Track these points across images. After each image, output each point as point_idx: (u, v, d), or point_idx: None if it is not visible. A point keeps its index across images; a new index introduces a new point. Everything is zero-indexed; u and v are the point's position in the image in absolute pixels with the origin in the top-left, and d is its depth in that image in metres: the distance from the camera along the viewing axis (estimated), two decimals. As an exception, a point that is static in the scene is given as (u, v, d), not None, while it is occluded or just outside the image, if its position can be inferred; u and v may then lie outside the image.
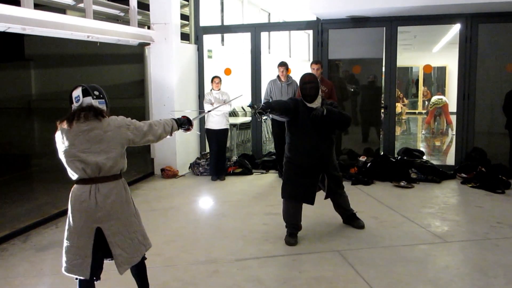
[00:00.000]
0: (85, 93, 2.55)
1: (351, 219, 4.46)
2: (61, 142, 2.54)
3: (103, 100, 2.60)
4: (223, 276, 3.39)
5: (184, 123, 2.96)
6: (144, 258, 2.79)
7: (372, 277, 3.32)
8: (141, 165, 7.37)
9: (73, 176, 2.58)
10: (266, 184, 6.30)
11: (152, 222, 4.70)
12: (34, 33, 4.79)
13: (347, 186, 5.97)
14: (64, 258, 2.60)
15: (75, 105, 2.57)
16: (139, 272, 2.82)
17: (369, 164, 6.40)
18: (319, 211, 4.90)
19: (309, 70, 6.79)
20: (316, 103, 3.99)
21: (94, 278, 2.61)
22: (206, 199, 5.72)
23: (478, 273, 3.40)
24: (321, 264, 3.57)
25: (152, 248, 3.89)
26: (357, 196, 5.61)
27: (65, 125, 2.52)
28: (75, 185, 2.60)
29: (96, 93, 2.58)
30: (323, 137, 4.01)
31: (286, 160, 4.14)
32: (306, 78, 4.03)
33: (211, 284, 3.28)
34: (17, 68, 11.01)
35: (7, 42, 9.52)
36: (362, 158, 6.59)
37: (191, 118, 3.03)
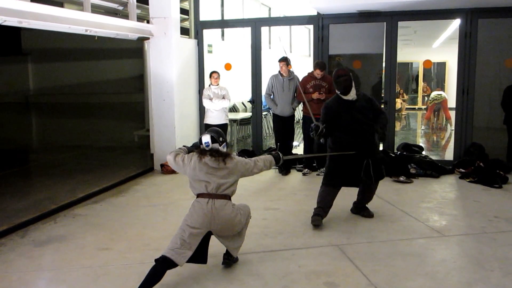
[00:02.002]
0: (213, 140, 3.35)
1: (362, 209, 4.65)
2: None
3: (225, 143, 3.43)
4: (223, 270, 3.45)
5: (278, 159, 3.71)
6: None
7: (370, 271, 3.38)
8: (140, 160, 7.41)
9: None
10: (266, 180, 6.35)
11: (151, 217, 4.76)
12: (30, 26, 4.77)
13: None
14: None
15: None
16: None
17: (368, 159, 6.43)
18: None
19: (311, 65, 6.85)
20: (352, 95, 4.21)
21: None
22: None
23: (475, 266, 3.47)
24: (320, 259, 3.63)
25: (151, 243, 3.99)
26: (356, 191, 5.64)
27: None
28: None
29: (221, 139, 3.39)
30: (365, 127, 4.23)
31: (330, 151, 4.35)
32: (338, 72, 4.26)
33: (211, 279, 3.33)
34: (14, 63, 10.98)
35: (4, 35, 9.49)
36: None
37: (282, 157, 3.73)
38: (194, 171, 3.29)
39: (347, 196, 5.41)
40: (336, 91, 4.27)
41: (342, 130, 4.25)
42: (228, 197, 3.33)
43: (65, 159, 7.84)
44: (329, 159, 4.40)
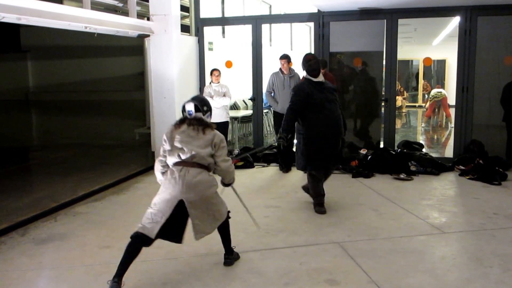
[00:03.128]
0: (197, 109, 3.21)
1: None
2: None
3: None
4: (224, 268, 3.45)
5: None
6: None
7: (371, 268, 3.39)
8: (141, 158, 7.40)
9: None
10: (267, 177, 6.35)
11: (153, 215, 4.75)
12: (29, 23, 4.75)
13: (348, 179, 6.10)
14: None
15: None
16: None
17: (369, 157, 6.45)
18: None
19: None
20: (321, 77, 4.56)
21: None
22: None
23: (474, 263, 3.48)
24: (321, 256, 3.64)
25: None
26: (358, 188, 5.67)
27: None
28: None
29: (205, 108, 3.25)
30: (335, 106, 4.57)
31: (304, 137, 4.56)
32: (308, 56, 4.66)
33: (213, 276, 3.33)
34: (13, 60, 10.95)
35: (3, 32, 9.46)
36: (363, 151, 6.64)
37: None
38: (171, 141, 3.17)
39: (347, 194, 5.43)
40: (306, 75, 4.62)
41: (315, 110, 4.48)
42: (204, 167, 3.17)
43: (65, 157, 7.82)
44: (304, 145, 4.58)
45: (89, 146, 8.74)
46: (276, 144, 4.81)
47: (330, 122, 4.50)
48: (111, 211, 4.92)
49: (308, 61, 4.56)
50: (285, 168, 6.56)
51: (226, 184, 3.50)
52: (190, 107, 3.22)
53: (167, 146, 3.21)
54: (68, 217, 4.73)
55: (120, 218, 4.68)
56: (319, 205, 4.66)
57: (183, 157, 3.13)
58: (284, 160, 6.60)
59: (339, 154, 4.65)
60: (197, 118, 3.20)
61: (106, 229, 4.32)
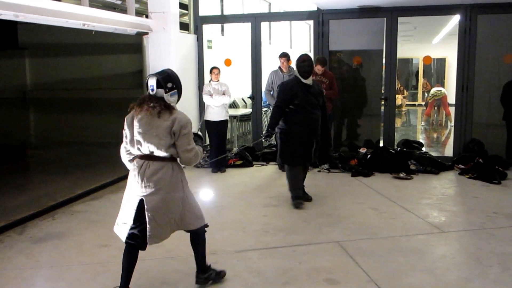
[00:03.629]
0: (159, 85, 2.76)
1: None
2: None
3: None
4: (223, 267, 3.43)
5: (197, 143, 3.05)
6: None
7: (371, 267, 3.39)
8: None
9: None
10: (266, 176, 6.35)
11: (151, 213, 4.75)
12: (27, 20, 4.73)
13: (347, 178, 6.10)
14: None
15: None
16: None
17: (369, 155, 6.45)
18: (319, 202, 4.97)
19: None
20: (310, 80, 4.69)
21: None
22: (206, 191, 5.76)
23: (473, 262, 3.49)
24: (321, 255, 3.64)
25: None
26: (357, 187, 5.67)
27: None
28: None
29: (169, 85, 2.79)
30: (316, 110, 4.72)
31: (282, 131, 4.74)
32: (303, 57, 4.75)
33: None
34: (11, 57, 10.89)
35: (0, 30, 9.42)
36: (362, 150, 6.64)
37: (199, 133, 3.19)
38: (131, 129, 2.81)
39: (347, 192, 5.43)
40: (296, 74, 4.72)
41: (296, 110, 4.61)
42: (167, 160, 2.80)
43: (63, 155, 7.81)
44: (282, 141, 4.79)
45: (87, 144, 8.72)
46: (263, 139, 5.00)
47: (308, 123, 4.68)
48: (109, 210, 4.89)
49: (302, 62, 4.66)
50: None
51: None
52: (152, 82, 2.75)
53: (128, 134, 2.85)
54: (66, 215, 4.72)
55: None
56: (297, 198, 4.76)
57: (142, 150, 2.79)
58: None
59: (314, 153, 4.83)
60: (156, 97, 2.74)
61: (104, 228, 4.30)
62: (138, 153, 2.83)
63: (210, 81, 6.64)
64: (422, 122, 12.00)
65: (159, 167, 2.78)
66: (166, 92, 2.76)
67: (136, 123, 2.78)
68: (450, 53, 13.66)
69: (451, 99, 8.14)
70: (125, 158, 2.97)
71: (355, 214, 4.62)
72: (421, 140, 8.28)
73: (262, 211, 4.74)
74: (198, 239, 3.07)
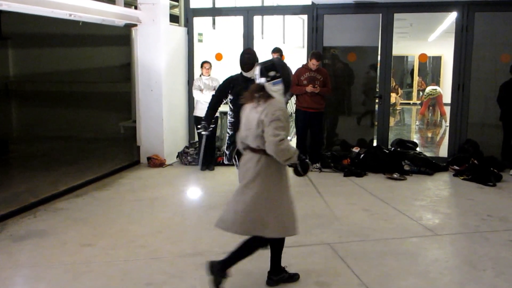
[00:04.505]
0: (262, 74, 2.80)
1: None
2: None
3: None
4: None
5: (303, 165, 2.93)
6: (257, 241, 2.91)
7: (362, 270, 3.38)
8: (126, 153, 7.32)
9: None
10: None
11: (137, 213, 4.70)
12: (10, 9, 4.63)
13: (340, 178, 6.10)
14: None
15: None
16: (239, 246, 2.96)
17: (362, 155, 6.45)
18: (310, 203, 4.95)
19: (304, 57, 6.80)
20: (251, 74, 4.35)
21: None
22: (194, 189, 5.73)
23: (467, 266, 3.50)
24: (311, 257, 3.62)
25: (136, 240, 3.93)
26: (349, 188, 5.67)
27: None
28: None
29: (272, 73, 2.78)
30: None
31: (231, 140, 4.40)
32: (246, 50, 4.79)
33: (198, 277, 3.29)
34: (-7, 47, 10.72)
35: (-17, 19, 9.25)
36: (355, 149, 6.64)
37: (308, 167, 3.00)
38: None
39: (339, 193, 5.43)
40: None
41: (236, 104, 4.36)
42: (256, 151, 2.81)
43: (47, 150, 7.72)
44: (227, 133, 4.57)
45: (71, 139, 8.64)
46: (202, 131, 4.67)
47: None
48: (94, 208, 4.85)
49: (243, 55, 4.61)
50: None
51: (296, 171, 2.94)
52: (257, 71, 2.84)
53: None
54: (48, 213, 4.65)
55: (103, 215, 4.62)
56: None
57: (243, 139, 2.97)
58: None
59: None
60: (260, 86, 2.80)
61: (88, 227, 4.26)
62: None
63: (200, 76, 6.59)
64: (417, 122, 12.07)
65: (248, 158, 2.87)
66: (267, 81, 2.77)
67: (242, 113, 2.96)
68: (446, 51, 13.73)
69: (446, 98, 8.18)
70: (240, 146, 3.06)
71: (347, 215, 4.61)
72: (415, 140, 8.31)
73: (252, 211, 4.70)
74: (277, 242, 3.04)
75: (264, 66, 2.80)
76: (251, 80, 4.37)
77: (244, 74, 4.52)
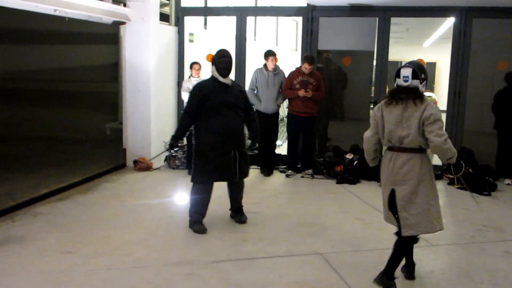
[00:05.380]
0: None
1: (236, 213, 4.61)
2: None
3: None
4: (198, 279, 3.35)
5: (457, 166, 3.31)
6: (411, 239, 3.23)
7: (355, 282, 3.35)
8: (112, 155, 7.22)
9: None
10: (247, 181, 6.20)
11: (122, 219, 4.62)
12: (-8, 3, 4.56)
13: (332, 185, 6.07)
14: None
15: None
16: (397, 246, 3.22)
17: (355, 162, 6.44)
18: (301, 210, 4.92)
19: (297, 60, 6.79)
20: (229, 79, 4.27)
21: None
22: (182, 195, 5.62)
23: (463, 278, 3.49)
24: (303, 268, 3.58)
25: (120, 248, 3.85)
26: (342, 195, 5.65)
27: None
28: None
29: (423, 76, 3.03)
30: (236, 112, 4.26)
31: (197, 145, 4.28)
32: (223, 52, 4.25)
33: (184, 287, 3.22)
34: (-25, 43, 10.56)
35: (-36, 13, 9.10)
36: (349, 156, 6.62)
37: None
38: (382, 120, 3.10)
39: (331, 201, 5.40)
40: (213, 72, 4.23)
41: (209, 114, 4.13)
42: (416, 151, 3.03)
43: (28, 151, 7.59)
44: (196, 154, 4.27)
45: (55, 140, 8.50)
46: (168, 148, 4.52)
47: (225, 131, 4.14)
48: (76, 213, 4.75)
49: (222, 57, 4.17)
50: (267, 171, 6.49)
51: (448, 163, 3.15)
52: (408, 72, 3.00)
53: (375, 126, 3.17)
54: (27, 217, 4.55)
55: (85, 220, 4.53)
56: (198, 223, 4.24)
57: (393, 142, 3.09)
58: (265, 162, 6.53)
59: (238, 169, 4.28)
60: (408, 88, 2.99)
61: (69, 233, 4.18)
62: (389, 144, 3.10)
63: (190, 77, 6.54)
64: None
65: (407, 158, 3.02)
66: (420, 83, 3.00)
67: (386, 116, 3.05)
68: (441, 58, 13.84)
69: (441, 105, 8.22)
70: (371, 146, 3.26)
71: (340, 224, 4.58)
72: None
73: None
74: (402, 241, 3.20)
75: (418, 67, 3.01)
76: (228, 86, 4.22)
77: (222, 80, 4.18)
